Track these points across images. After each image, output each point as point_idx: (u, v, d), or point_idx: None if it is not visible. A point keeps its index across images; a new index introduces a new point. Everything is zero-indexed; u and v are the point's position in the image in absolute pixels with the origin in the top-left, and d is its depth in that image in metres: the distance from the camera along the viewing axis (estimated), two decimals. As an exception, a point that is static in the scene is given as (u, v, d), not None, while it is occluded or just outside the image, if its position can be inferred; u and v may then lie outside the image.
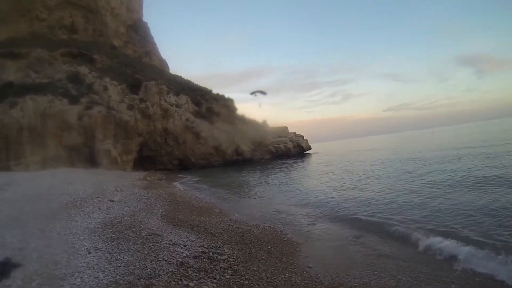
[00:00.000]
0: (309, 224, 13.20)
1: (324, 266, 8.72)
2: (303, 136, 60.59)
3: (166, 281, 6.57)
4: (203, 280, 6.91)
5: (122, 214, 12.88)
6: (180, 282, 6.58)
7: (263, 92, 66.07)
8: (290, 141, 56.19)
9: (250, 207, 16.78)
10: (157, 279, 6.61)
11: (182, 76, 62.26)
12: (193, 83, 57.00)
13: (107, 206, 14.36)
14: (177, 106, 40.37)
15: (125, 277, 6.65)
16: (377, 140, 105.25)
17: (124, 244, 8.87)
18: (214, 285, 6.75)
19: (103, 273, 6.89)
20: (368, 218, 12.78)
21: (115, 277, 6.68)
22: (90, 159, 36.16)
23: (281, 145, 53.48)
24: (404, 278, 7.26)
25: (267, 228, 12.74)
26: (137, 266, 7.28)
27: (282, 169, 34.81)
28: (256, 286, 7.11)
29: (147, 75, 43.21)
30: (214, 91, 55.47)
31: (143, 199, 16.47)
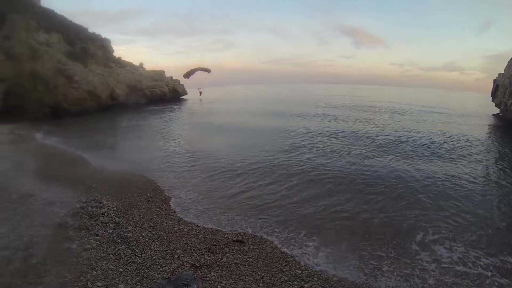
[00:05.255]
0: (184, 171, 13.24)
1: (202, 212, 9.11)
2: (179, 81, 56.73)
3: (46, 248, 5.79)
4: (86, 238, 6.56)
5: (-16, 177, 10.29)
6: (61, 246, 6.03)
7: (206, 70, 57.64)
8: (166, 85, 52.32)
9: (125, 156, 15.97)
10: (36, 247, 5.76)
11: (55, 11, 50.14)
12: (67, 19, 46.04)
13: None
14: (47, 45, 32.61)
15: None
16: (253, 90, 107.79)
17: (-9, 214, 7.24)
18: (98, 243, 6.48)
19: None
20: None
21: (-14, 256, 5.48)
22: None
23: (157, 90, 49.38)
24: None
25: (144, 175, 12.52)
26: (12, 237, 6.11)
27: (157, 117, 33.12)
28: (141, 237, 7.08)
29: (13, 7, 32.95)
30: (90, 31, 47.44)
31: (11, 156, 13.61)
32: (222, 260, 6.50)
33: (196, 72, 54.03)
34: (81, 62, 36.79)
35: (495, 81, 35.38)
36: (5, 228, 6.43)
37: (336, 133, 20.73)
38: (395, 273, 6.53)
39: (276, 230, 8.24)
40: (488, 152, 18.04)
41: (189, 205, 9.58)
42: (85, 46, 39.72)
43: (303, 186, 11.36)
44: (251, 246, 7.33)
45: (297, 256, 7.06)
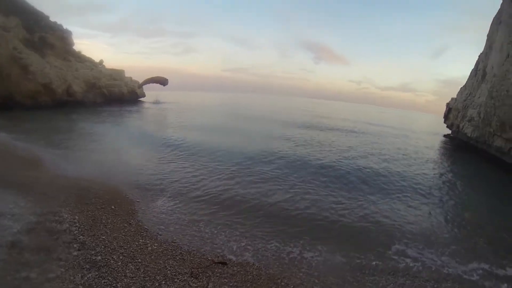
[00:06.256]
0: (147, 182, 12.02)
1: (174, 229, 8.20)
2: (139, 82, 53.75)
3: (-2, 276, 4.52)
4: (47, 264, 5.34)
5: None
6: (17, 275, 4.81)
7: (162, 82, 54.69)
8: (125, 86, 49.11)
9: (83, 160, 14.25)
10: (-16, 277, 4.49)
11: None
12: (28, 3, 42.07)
13: None
14: (4, 29, 29.40)
15: None
16: (211, 97, 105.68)
17: None
18: (62, 269, 5.32)
19: None
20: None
21: None
22: None
23: (116, 89, 46.29)
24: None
25: (106, 183, 11.23)
26: (-49, 262, 4.75)
27: (115, 118, 30.68)
28: (112, 261, 6.04)
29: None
30: (51, 19, 43.45)
31: None
32: (208, 287, 5.74)
33: (149, 83, 53.14)
34: (38, 52, 33.43)
35: (448, 104, 37.22)
36: None
37: (289, 155, 18.50)
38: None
39: (253, 247, 7.78)
40: (442, 170, 19.02)
41: (158, 220, 8.61)
42: (44, 35, 36.21)
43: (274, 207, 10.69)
44: (235, 268, 6.73)
45: (284, 278, 6.60)
